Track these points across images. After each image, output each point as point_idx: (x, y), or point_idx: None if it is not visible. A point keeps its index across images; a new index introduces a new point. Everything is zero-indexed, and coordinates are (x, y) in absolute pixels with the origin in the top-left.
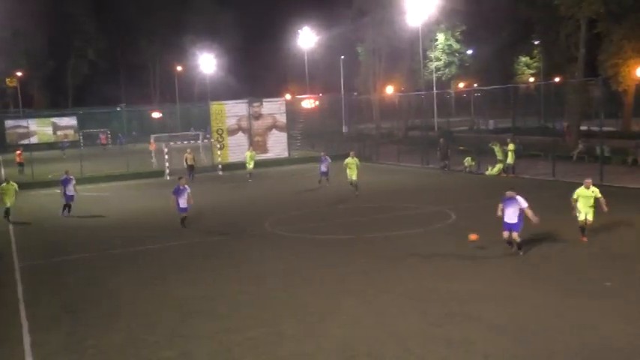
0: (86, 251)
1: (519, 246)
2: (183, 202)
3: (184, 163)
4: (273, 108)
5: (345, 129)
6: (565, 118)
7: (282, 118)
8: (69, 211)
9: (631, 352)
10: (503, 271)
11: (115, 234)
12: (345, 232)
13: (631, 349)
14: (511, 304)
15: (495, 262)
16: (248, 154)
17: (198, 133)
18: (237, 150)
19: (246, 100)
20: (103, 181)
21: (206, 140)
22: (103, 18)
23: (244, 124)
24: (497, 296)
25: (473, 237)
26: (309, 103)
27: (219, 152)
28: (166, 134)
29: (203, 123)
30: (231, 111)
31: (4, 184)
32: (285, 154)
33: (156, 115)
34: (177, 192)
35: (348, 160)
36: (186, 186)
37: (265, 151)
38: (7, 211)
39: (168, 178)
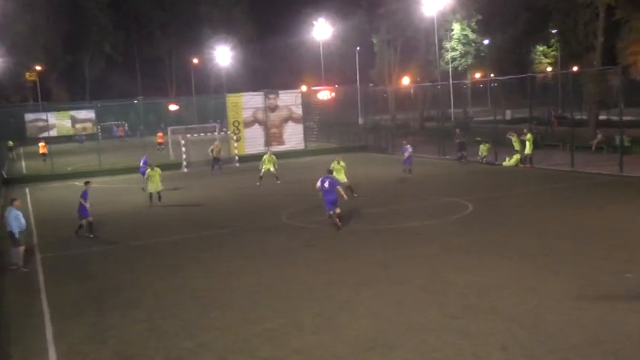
0: (107, 244)
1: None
2: (88, 205)
3: (210, 154)
4: (289, 100)
5: (361, 120)
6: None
7: (298, 110)
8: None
9: None
10: (521, 264)
11: (133, 225)
12: (362, 224)
13: None
14: (530, 296)
15: (513, 254)
16: (266, 157)
17: (214, 125)
18: (254, 142)
19: (262, 92)
20: (121, 173)
21: (223, 132)
22: (119, 12)
23: (260, 116)
24: (516, 288)
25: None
26: (324, 94)
27: (235, 144)
28: (183, 126)
29: (219, 115)
30: (248, 103)
31: (149, 170)
32: (302, 146)
33: (173, 107)
34: (85, 196)
35: (334, 165)
36: (87, 189)
37: (281, 142)
38: (151, 196)
39: (185, 170)
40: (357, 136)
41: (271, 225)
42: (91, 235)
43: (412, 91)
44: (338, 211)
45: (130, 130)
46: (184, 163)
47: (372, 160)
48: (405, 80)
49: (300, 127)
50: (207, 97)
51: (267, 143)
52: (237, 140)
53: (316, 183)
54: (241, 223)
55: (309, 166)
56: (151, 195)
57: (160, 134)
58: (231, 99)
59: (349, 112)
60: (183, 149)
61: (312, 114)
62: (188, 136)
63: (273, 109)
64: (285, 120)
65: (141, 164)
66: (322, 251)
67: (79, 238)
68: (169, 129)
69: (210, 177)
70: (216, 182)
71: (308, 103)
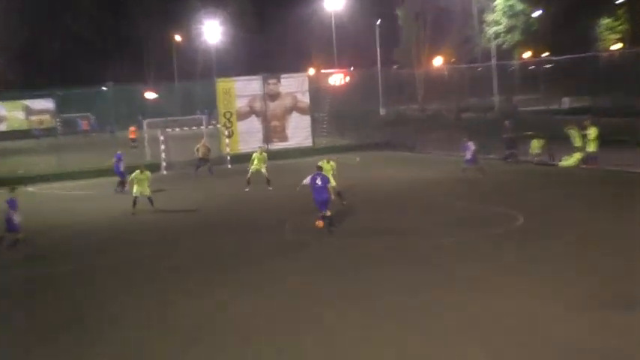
0: (66, 263)
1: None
2: (17, 218)
3: (196, 153)
4: (294, 85)
5: (382, 111)
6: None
7: (304, 98)
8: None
9: None
10: (585, 291)
11: (108, 239)
12: (386, 239)
13: None
14: (593, 330)
15: (575, 277)
16: (256, 155)
17: (201, 117)
18: (250, 138)
19: (260, 77)
20: (86, 177)
21: (212, 126)
22: None
23: (258, 105)
24: (578, 322)
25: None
26: (337, 79)
27: (227, 141)
28: (162, 119)
29: (208, 105)
30: (242, 90)
31: (137, 173)
32: (309, 143)
33: (150, 95)
34: (13, 204)
35: (322, 164)
36: (14, 199)
37: (284, 138)
38: (135, 201)
39: (165, 172)
40: (378, 130)
41: (272, 242)
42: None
43: (446, 75)
44: (329, 213)
45: (98, 124)
46: (163, 163)
47: (397, 160)
48: (437, 61)
49: (307, 120)
50: (193, 83)
51: (267, 139)
52: (229, 136)
53: (304, 181)
54: (235, 238)
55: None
56: (135, 200)
57: (132, 128)
58: (222, 85)
59: (368, 101)
60: (162, 147)
61: (322, 103)
62: (168, 130)
63: (274, 97)
64: (289, 110)
65: (114, 160)
66: (332, 273)
67: (9, 251)
68: (145, 122)
69: (195, 180)
70: (203, 187)
71: (317, 89)
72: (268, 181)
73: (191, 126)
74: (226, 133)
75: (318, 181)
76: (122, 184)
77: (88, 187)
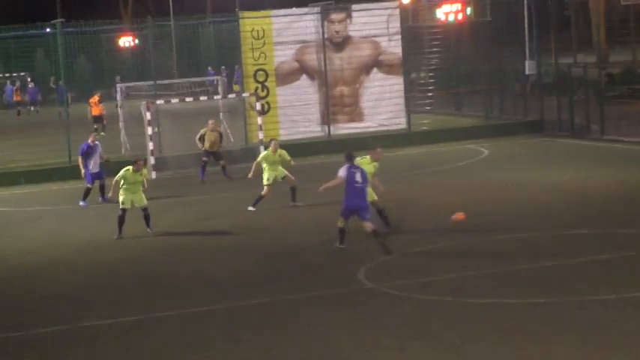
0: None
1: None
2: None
3: (199, 144)
4: (375, 24)
5: (529, 67)
6: None
7: (393, 47)
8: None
9: None
10: None
11: (77, 297)
12: (529, 291)
13: None
14: None
15: None
16: (268, 155)
17: (214, 78)
18: (298, 116)
19: (316, 8)
20: (21, 181)
21: (233, 95)
22: None
23: (313, 59)
24: None
25: (459, 216)
26: (451, 12)
27: (259, 120)
28: (147, 83)
29: (225, 60)
30: (286, 32)
31: (128, 171)
32: (402, 124)
33: (126, 41)
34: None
35: (362, 161)
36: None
37: (358, 117)
38: (123, 215)
39: (153, 174)
40: (522, 101)
41: (339, 291)
42: None
43: None
44: (371, 227)
45: (39, 92)
46: (151, 160)
47: (559, 153)
48: None
49: (397, 84)
50: (200, 22)
51: (326, 120)
52: (264, 112)
53: (338, 174)
54: (283, 286)
55: (414, 166)
56: (123, 215)
57: (94, 99)
58: (250, 23)
59: (504, 52)
60: (149, 131)
61: (423, 56)
62: (159, 103)
63: (342, 44)
64: (367, 68)
65: (79, 157)
66: (443, 349)
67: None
68: (119, 87)
69: (201, 187)
70: (213, 198)
71: (416, 31)
72: (294, 193)
73: (197, 95)
74: (258, 106)
75: (358, 177)
76: (102, 188)
77: (29, 199)
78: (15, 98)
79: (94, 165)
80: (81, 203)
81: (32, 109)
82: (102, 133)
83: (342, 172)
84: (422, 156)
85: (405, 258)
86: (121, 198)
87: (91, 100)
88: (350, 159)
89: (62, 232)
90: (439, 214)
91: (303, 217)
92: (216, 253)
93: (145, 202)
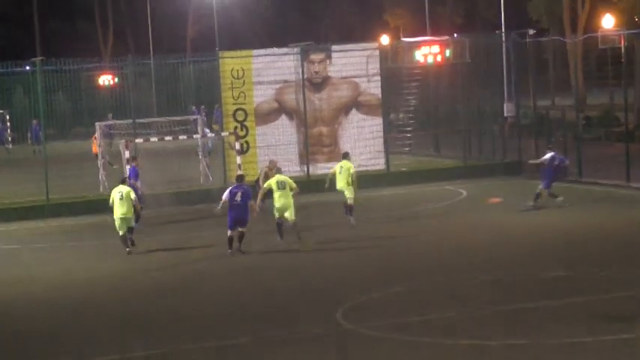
0: None
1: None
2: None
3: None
4: (354, 64)
5: (507, 109)
6: None
7: (373, 88)
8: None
9: None
10: None
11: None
12: (508, 332)
13: None
14: None
15: None
16: (344, 166)
17: (195, 116)
18: (277, 156)
19: (296, 49)
20: (7, 219)
21: (211, 134)
22: None
23: (292, 99)
24: None
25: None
26: (428, 53)
27: (238, 160)
28: (125, 122)
29: (206, 98)
30: (266, 71)
31: (116, 193)
32: (380, 164)
33: (106, 80)
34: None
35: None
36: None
37: (337, 157)
38: (126, 241)
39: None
40: (500, 141)
41: (316, 331)
42: None
43: (622, 46)
44: (243, 229)
45: (13, 129)
46: (132, 197)
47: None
48: (607, 22)
49: (376, 125)
50: (180, 59)
51: (304, 160)
52: (243, 151)
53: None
54: (252, 327)
55: (393, 207)
56: (125, 239)
57: (95, 137)
58: (230, 63)
59: (481, 93)
60: (127, 168)
61: (402, 95)
62: (138, 141)
63: (321, 84)
64: (346, 108)
65: (128, 178)
66: None
67: None
68: (99, 126)
69: (179, 225)
70: (200, 240)
71: (395, 72)
72: (349, 211)
73: (177, 134)
74: (237, 146)
75: (238, 197)
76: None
77: (4, 237)
78: None
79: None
80: (134, 224)
81: (10, 147)
82: (115, 166)
83: (225, 195)
84: (401, 197)
85: (383, 297)
86: (116, 223)
87: (94, 139)
88: (239, 179)
89: (38, 270)
90: (418, 254)
91: (280, 256)
92: (193, 293)
93: (132, 222)
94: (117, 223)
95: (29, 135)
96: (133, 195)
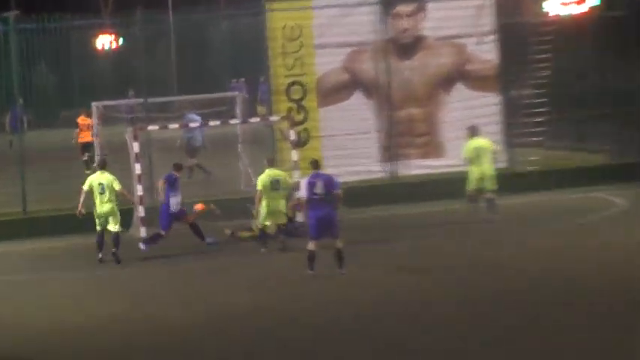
0: None
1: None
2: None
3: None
4: (458, 19)
5: None
6: None
7: (486, 52)
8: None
9: None
10: None
11: None
12: None
13: None
14: None
15: None
16: (481, 145)
17: (234, 93)
18: (350, 150)
19: None
20: None
21: (256, 119)
22: None
23: (370, 68)
24: None
25: (199, 207)
26: (566, 1)
27: (294, 156)
28: (133, 101)
29: (245, 69)
30: (332, 30)
31: (94, 179)
32: (500, 161)
33: (106, 42)
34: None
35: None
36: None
37: (435, 151)
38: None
39: (143, 233)
40: None
41: None
42: None
43: None
44: (340, 245)
45: None
46: (139, 211)
47: None
48: None
49: (492, 105)
50: (210, 15)
51: (389, 154)
52: (301, 143)
53: (300, 190)
54: None
55: (518, 221)
56: (100, 242)
57: (82, 120)
58: (281, 17)
59: None
60: (137, 170)
61: (528, 64)
62: (152, 129)
63: (411, 47)
64: (448, 82)
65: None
66: None
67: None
68: (95, 107)
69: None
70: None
71: (517, 29)
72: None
73: (207, 118)
74: (292, 135)
75: (318, 188)
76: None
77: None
78: None
79: (176, 203)
80: (142, 247)
81: None
82: (94, 165)
83: (303, 189)
84: (528, 207)
85: None
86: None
87: (80, 121)
88: (314, 165)
89: (10, 314)
90: (552, 285)
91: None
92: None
93: (117, 226)
94: (97, 221)
95: (7, 121)
96: (117, 185)
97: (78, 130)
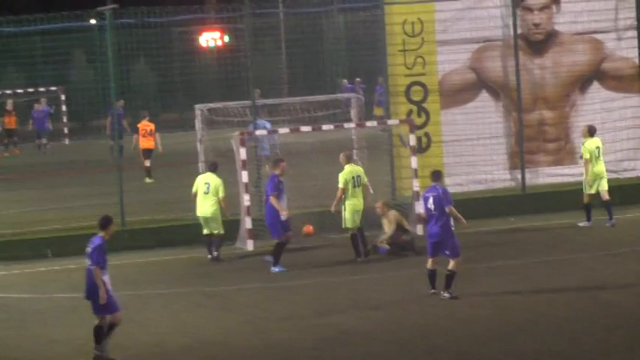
0: None
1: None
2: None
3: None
4: (596, 14)
5: None
6: None
7: (625, 48)
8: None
9: None
10: None
11: None
12: None
13: None
14: None
15: None
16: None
17: (349, 95)
18: (475, 157)
19: None
20: (48, 254)
21: (373, 123)
22: None
23: (497, 67)
24: None
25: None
26: None
27: (413, 163)
28: (240, 103)
29: (361, 69)
30: (456, 25)
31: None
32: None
33: (211, 39)
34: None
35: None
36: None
37: (569, 158)
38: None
39: (250, 247)
40: None
41: None
42: None
43: None
44: (452, 266)
45: (47, 113)
46: (247, 223)
47: None
48: None
49: (634, 105)
50: (323, 9)
51: (518, 161)
52: (422, 149)
53: (418, 205)
54: None
55: None
56: (210, 242)
57: (145, 125)
58: (401, 11)
59: None
60: (244, 178)
61: None
62: (260, 134)
63: (543, 43)
64: (584, 82)
65: (274, 182)
66: None
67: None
68: (198, 110)
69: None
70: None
71: None
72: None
73: (320, 121)
74: (412, 141)
75: (430, 203)
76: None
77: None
78: (8, 125)
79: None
80: (275, 269)
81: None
82: (147, 180)
83: (420, 206)
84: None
85: None
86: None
87: (141, 126)
88: (435, 176)
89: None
90: None
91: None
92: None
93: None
94: (201, 221)
95: (107, 124)
96: (222, 192)
97: (138, 135)
